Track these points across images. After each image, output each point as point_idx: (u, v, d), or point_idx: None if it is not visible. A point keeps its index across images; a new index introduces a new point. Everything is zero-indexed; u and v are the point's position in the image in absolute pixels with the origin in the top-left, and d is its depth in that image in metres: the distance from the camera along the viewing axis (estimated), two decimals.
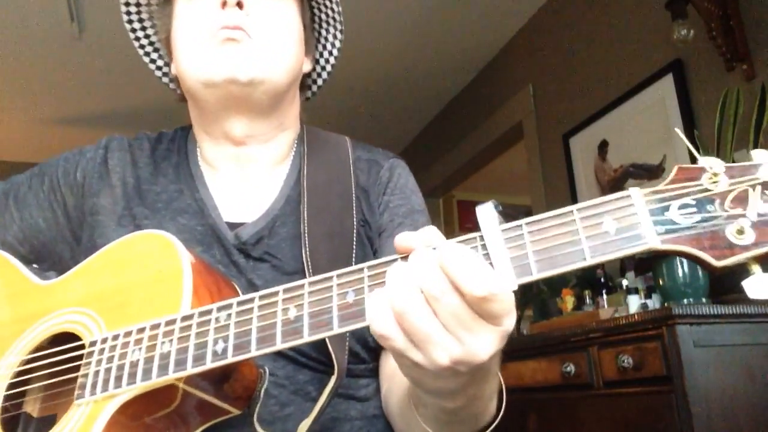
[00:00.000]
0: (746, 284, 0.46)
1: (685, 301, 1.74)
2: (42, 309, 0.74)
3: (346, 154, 0.92)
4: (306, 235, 0.81)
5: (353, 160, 0.92)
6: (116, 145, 0.92)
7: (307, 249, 0.80)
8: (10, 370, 0.72)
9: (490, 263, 0.50)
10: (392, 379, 0.79)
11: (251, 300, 0.58)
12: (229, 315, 0.58)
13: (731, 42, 2.07)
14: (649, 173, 2.45)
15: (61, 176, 0.89)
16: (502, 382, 0.63)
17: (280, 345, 0.55)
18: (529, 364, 2.04)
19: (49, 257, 0.87)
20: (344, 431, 0.78)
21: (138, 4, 0.91)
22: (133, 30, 0.96)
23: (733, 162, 1.72)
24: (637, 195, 0.48)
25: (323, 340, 0.74)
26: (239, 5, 0.80)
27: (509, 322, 0.49)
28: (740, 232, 0.45)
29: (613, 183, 2.64)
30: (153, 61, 1.00)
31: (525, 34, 3.35)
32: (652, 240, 0.47)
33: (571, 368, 1.85)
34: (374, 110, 4.11)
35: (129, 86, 3.74)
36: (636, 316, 1.67)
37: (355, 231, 0.84)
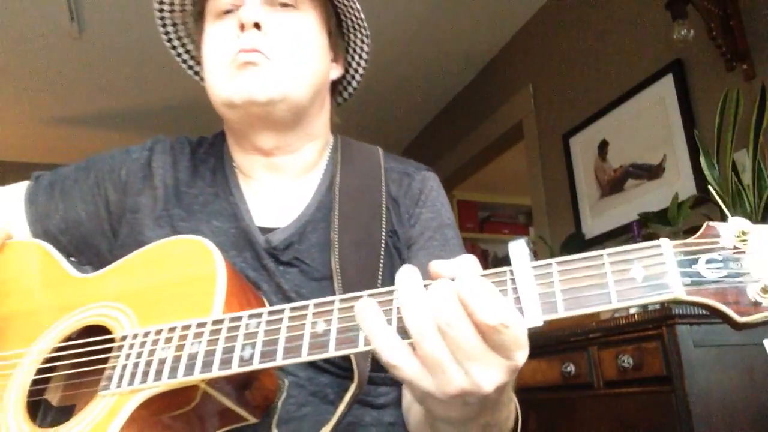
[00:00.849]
0: (766, 342, 0.47)
1: None
2: (77, 301, 0.76)
3: (379, 164, 0.94)
4: (336, 242, 0.83)
5: (385, 170, 0.94)
6: (160, 147, 0.95)
7: (337, 256, 0.81)
8: (40, 356, 0.74)
9: (518, 297, 0.51)
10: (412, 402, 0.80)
11: (282, 311, 0.59)
12: (259, 323, 0.60)
13: (731, 42, 2.07)
14: (649, 173, 2.45)
15: (106, 172, 0.93)
16: (518, 406, 0.65)
17: (305, 357, 0.56)
18: (529, 364, 2.02)
19: (87, 249, 0.90)
20: None
21: (174, 24, 0.96)
22: (174, 47, 0.99)
23: (734, 162, 1.71)
24: (667, 245, 0.50)
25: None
26: (257, 26, 0.82)
27: (520, 357, 0.50)
28: (765, 291, 0.47)
29: (613, 183, 2.64)
30: (191, 67, 1.04)
31: (525, 34, 3.35)
32: (677, 290, 0.49)
33: (571, 368, 1.85)
34: (374, 110, 4.11)
35: (129, 86, 3.74)
36: (636, 316, 1.67)
37: (383, 241, 0.85)
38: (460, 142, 4.01)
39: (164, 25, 0.95)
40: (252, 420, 0.69)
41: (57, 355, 0.74)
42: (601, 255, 0.51)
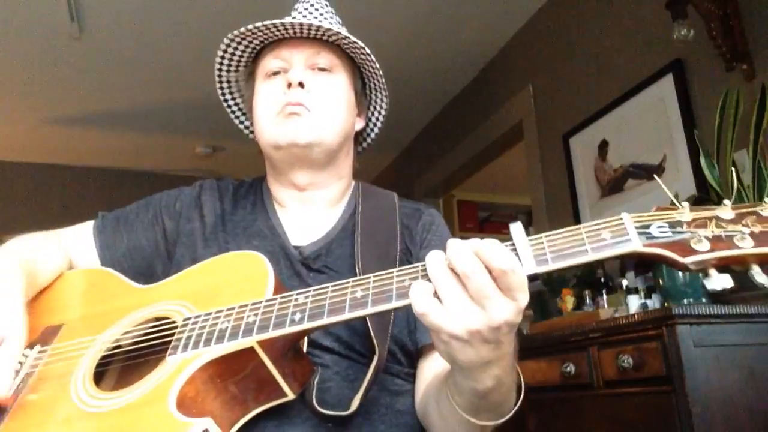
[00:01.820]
0: (706, 281, 0.65)
1: (685, 301, 1.74)
2: (141, 303, 0.89)
3: (393, 202, 1.13)
4: (359, 255, 0.99)
5: (399, 206, 1.12)
6: (208, 185, 1.16)
7: (360, 267, 0.96)
8: (109, 339, 0.85)
9: (519, 257, 0.66)
10: (430, 381, 0.94)
11: (326, 287, 0.73)
12: (307, 296, 0.73)
13: (731, 42, 2.07)
14: (649, 173, 2.45)
15: (163, 206, 1.12)
16: (521, 376, 0.80)
17: (347, 314, 0.69)
18: (529, 364, 2.04)
19: (146, 271, 1.06)
20: (372, 412, 0.91)
21: (229, 81, 1.17)
22: (226, 101, 1.19)
23: (734, 162, 1.72)
24: (627, 217, 0.68)
25: (368, 334, 0.90)
26: (301, 85, 1.03)
27: (523, 297, 0.65)
28: (699, 241, 0.64)
29: (613, 183, 2.64)
30: (242, 122, 1.23)
31: (525, 34, 3.35)
32: (636, 243, 0.66)
33: (571, 368, 1.85)
34: None
35: (129, 86, 3.74)
36: (636, 316, 1.67)
37: (398, 257, 1.02)
38: (461, 141, 4.01)
39: (221, 82, 1.16)
40: (290, 395, 0.78)
41: (125, 340, 0.85)
42: (579, 228, 0.68)
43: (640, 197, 2.47)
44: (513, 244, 0.67)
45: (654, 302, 1.97)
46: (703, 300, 1.74)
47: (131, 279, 0.99)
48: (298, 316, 0.71)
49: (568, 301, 2.38)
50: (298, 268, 1.00)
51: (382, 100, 1.18)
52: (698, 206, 0.68)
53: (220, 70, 1.14)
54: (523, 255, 0.66)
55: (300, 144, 1.02)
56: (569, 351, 1.88)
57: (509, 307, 0.64)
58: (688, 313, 1.53)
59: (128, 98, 3.90)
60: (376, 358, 0.88)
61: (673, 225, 0.67)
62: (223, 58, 1.12)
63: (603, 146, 2.71)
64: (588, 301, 2.31)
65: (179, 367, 0.73)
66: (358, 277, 0.73)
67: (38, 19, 3.04)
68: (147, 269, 1.06)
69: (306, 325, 0.70)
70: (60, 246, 1.08)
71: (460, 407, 0.77)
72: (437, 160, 4.33)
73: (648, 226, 0.67)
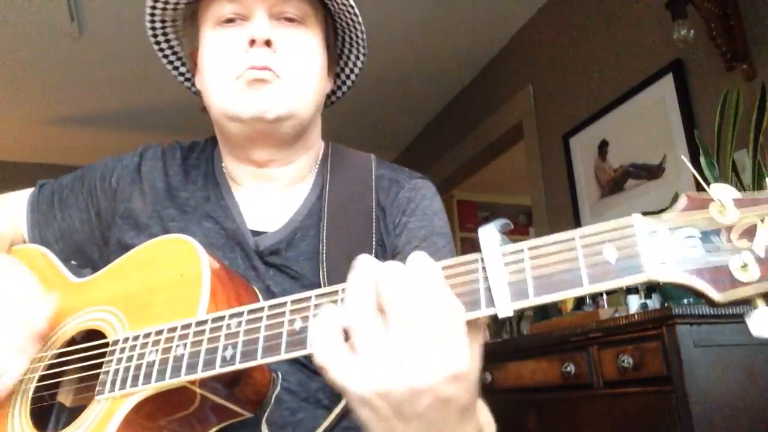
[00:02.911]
0: (749, 320, 0.45)
1: (685, 301, 1.74)
2: (74, 305, 0.79)
3: (369, 172, 0.93)
4: (324, 254, 0.82)
5: (376, 177, 0.93)
6: (150, 153, 0.96)
7: (325, 268, 0.81)
8: (41, 362, 0.76)
9: (488, 287, 0.50)
10: None
11: (261, 309, 0.60)
12: (240, 323, 0.61)
13: (731, 42, 2.07)
14: (649, 173, 2.45)
15: (98, 180, 0.95)
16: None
17: (284, 355, 0.57)
18: (529, 364, 2.04)
19: (81, 257, 0.92)
20: None
21: (163, 21, 0.93)
22: (158, 42, 0.96)
23: (734, 162, 1.71)
24: (639, 223, 0.47)
25: None
26: (268, 44, 0.82)
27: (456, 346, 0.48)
28: (744, 267, 0.44)
29: (613, 183, 2.64)
30: (176, 68, 1.01)
31: (525, 34, 3.35)
32: (651, 271, 0.46)
33: (571, 368, 1.85)
34: (374, 110, 4.11)
35: (129, 86, 3.74)
36: (636, 316, 1.67)
37: (373, 252, 0.84)
38: (461, 142, 4.01)
39: (153, 21, 0.92)
40: (247, 414, 0.70)
41: (61, 360, 0.75)
42: (573, 238, 0.49)
43: (640, 197, 2.47)
44: (484, 267, 0.50)
45: (654, 302, 1.97)
46: (703, 300, 1.74)
47: (64, 260, 0.88)
48: (229, 353, 0.59)
49: (568, 301, 2.37)
50: (254, 262, 0.84)
51: (357, 57, 0.98)
52: (741, 196, 0.47)
53: (153, 7, 0.90)
54: (496, 285, 0.49)
55: (267, 119, 0.82)
56: (569, 351, 1.88)
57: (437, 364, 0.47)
58: (688, 313, 1.52)
59: (128, 98, 3.90)
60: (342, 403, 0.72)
61: (707, 235, 0.46)
62: None
63: (603, 146, 2.70)
64: (588, 301, 2.31)
65: (110, 410, 0.65)
66: (297, 297, 0.58)
67: (38, 19, 3.04)
68: (80, 253, 0.92)
69: (237, 366, 0.58)
70: (11, 216, 0.95)
71: None
72: (437, 160, 4.32)
73: (671, 237, 0.46)
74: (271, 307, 0.59)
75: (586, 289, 0.47)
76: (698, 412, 1.45)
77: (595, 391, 1.78)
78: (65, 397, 0.79)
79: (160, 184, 0.92)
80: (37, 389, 0.75)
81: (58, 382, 0.77)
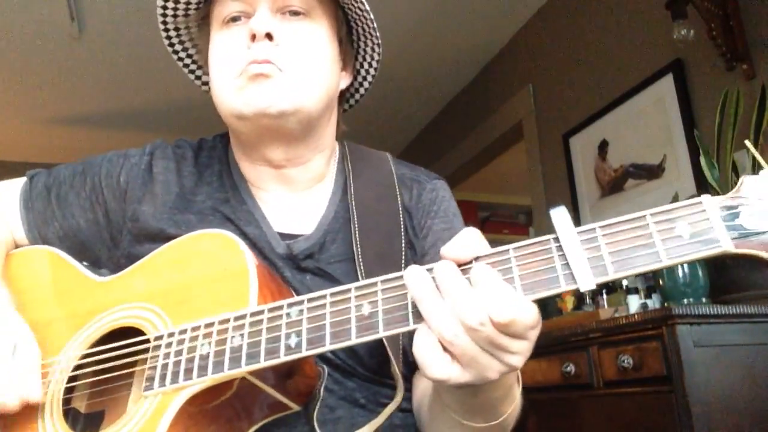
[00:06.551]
0: None
1: (685, 301, 1.74)
2: (101, 305, 0.76)
3: (390, 171, 0.93)
4: (360, 257, 0.82)
5: (397, 176, 0.92)
6: (160, 152, 0.92)
7: (363, 273, 0.80)
8: (70, 363, 0.73)
9: (567, 264, 0.52)
10: (424, 393, 0.81)
11: (323, 297, 0.60)
12: (301, 311, 0.60)
13: (731, 42, 2.07)
14: (649, 173, 2.45)
15: (103, 178, 0.90)
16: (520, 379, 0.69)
17: (354, 340, 0.57)
18: (528, 364, 2.01)
19: (87, 257, 0.88)
20: None
21: (177, 28, 0.92)
22: (176, 52, 0.96)
23: (734, 162, 1.71)
24: (709, 202, 0.51)
25: (386, 356, 0.76)
26: (269, 37, 0.80)
27: (533, 334, 0.55)
28: None
29: (613, 183, 2.63)
30: (198, 78, 1.01)
31: (525, 34, 3.35)
32: (726, 244, 0.49)
33: (571, 368, 1.85)
34: (374, 110, 4.11)
35: (129, 86, 3.74)
36: (636, 316, 1.67)
37: (403, 252, 0.84)
38: (460, 142, 4.01)
39: (167, 30, 0.92)
40: (295, 408, 0.70)
41: (87, 362, 0.73)
42: (644, 216, 0.52)
43: (640, 197, 2.47)
44: (558, 246, 0.53)
45: (654, 302, 1.97)
46: (703, 300, 1.74)
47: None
48: (293, 341, 0.58)
49: (568, 300, 2.37)
50: (280, 267, 0.83)
51: (373, 49, 0.95)
52: None
53: (164, 15, 0.89)
54: (576, 263, 0.52)
55: (270, 114, 0.80)
56: (569, 351, 1.88)
57: (525, 347, 0.57)
58: (688, 313, 1.52)
59: (128, 98, 3.90)
60: (399, 396, 0.76)
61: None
62: (167, 0, 0.88)
63: (603, 146, 2.70)
64: (588, 300, 2.31)
65: (161, 406, 0.63)
66: (361, 283, 0.59)
67: (38, 19, 3.03)
68: (85, 253, 0.88)
69: (304, 353, 0.58)
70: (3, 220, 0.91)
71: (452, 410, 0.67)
72: (437, 160, 4.32)
73: (737, 215, 0.50)
74: (333, 294, 0.60)
75: (665, 263, 0.50)
76: (698, 412, 1.45)
77: (595, 391, 1.78)
78: (80, 403, 0.77)
79: (174, 188, 0.88)
80: (67, 390, 0.73)
81: (74, 386, 0.76)
